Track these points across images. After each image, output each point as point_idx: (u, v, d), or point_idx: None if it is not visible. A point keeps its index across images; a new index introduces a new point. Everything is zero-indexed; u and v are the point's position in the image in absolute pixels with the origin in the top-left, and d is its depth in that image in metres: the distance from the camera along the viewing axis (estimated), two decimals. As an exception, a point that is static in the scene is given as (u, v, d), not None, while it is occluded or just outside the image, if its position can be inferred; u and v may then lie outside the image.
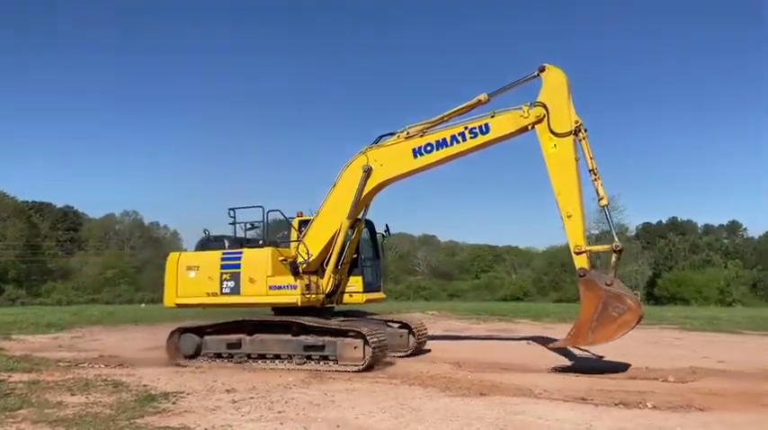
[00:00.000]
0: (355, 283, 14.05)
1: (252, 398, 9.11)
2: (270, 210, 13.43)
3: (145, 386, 10.11)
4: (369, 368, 11.59)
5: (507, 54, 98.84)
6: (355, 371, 11.41)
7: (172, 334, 13.07)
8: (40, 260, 64.81)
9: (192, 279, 12.96)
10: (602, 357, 13.30)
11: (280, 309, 12.89)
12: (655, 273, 63.72)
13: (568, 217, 11.37)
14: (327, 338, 11.96)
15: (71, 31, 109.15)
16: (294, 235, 13.61)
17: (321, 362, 11.95)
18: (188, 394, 9.40)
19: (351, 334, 11.89)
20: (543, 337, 18.06)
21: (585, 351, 13.46)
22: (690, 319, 25.52)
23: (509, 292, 61.41)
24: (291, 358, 12.17)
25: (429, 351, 14.81)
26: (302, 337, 12.15)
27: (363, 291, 14.08)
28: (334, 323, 12.26)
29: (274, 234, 14.59)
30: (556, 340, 12.71)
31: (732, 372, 11.60)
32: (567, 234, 11.45)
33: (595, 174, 11.48)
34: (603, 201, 11.56)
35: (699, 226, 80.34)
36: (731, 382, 10.40)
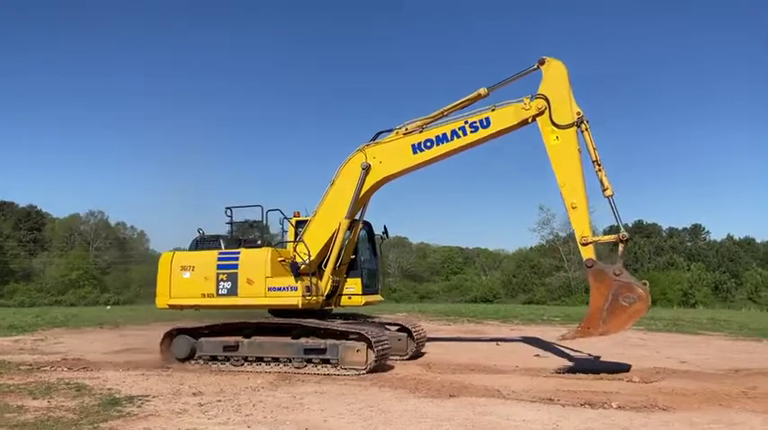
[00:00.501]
0: (354, 285, 13.70)
1: (219, 401, 9.00)
2: (269, 210, 13.13)
3: (109, 389, 9.91)
4: (372, 372, 11.31)
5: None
6: (357, 376, 11.18)
7: (166, 335, 12.69)
8: (2, 261, 62.89)
9: (186, 279, 12.65)
10: (598, 357, 13.49)
11: (277, 312, 12.62)
12: (621, 275, 64.73)
13: (573, 208, 11.28)
14: (329, 341, 11.68)
15: (30, 27, 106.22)
16: (291, 235, 13.37)
17: (321, 366, 11.66)
18: (154, 397, 9.24)
19: (354, 337, 11.64)
20: (512, 339, 18.23)
21: (580, 351, 13.63)
22: (654, 320, 25.97)
23: (479, 294, 61.79)
24: (290, 361, 11.84)
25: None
26: (302, 340, 11.86)
27: (362, 293, 13.73)
28: (336, 325, 11.97)
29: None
30: (514, 340, 12.80)
31: (694, 373, 11.89)
32: (573, 225, 11.44)
33: (599, 165, 11.40)
34: (608, 192, 11.37)
35: (663, 229, 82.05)
36: (693, 382, 10.65)
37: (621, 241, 11.16)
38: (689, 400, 9.00)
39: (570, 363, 13.01)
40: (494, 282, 67.36)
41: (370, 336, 11.36)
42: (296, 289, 11.88)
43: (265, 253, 12.28)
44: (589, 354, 14.33)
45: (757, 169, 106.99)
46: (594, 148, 11.42)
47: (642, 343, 17.16)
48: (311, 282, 12.18)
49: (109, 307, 42.95)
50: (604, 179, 11.37)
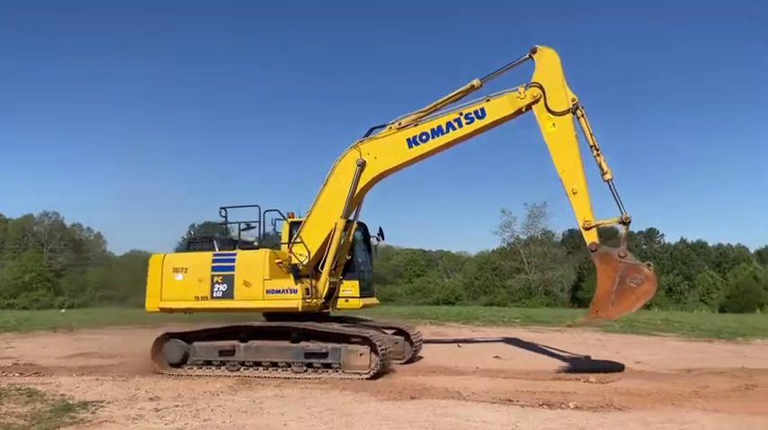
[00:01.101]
0: (351, 288, 13.31)
1: (177, 406, 8.83)
2: (267, 210, 12.85)
3: (62, 395, 9.64)
4: (376, 377, 11.05)
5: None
6: (360, 380, 10.89)
7: (158, 339, 12.21)
8: (-50, 263, 60.81)
9: (178, 282, 12.25)
10: (588, 356, 13.66)
11: (272, 315, 12.28)
12: (579, 278, 66.12)
13: (574, 193, 11.28)
14: (331, 345, 11.39)
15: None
16: (285, 236, 13.07)
17: (322, 371, 11.36)
18: (108, 403, 9.02)
19: (356, 340, 11.38)
20: (474, 340, 18.39)
21: (548, 347, 13.81)
22: (610, 322, 26.55)
23: (441, 296, 62.20)
24: (290, 366, 11.51)
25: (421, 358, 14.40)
26: (303, 344, 11.53)
27: (360, 296, 13.34)
28: (339, 328, 11.72)
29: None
30: (476, 341, 12.90)
31: (649, 373, 12.20)
32: (575, 210, 11.35)
33: (597, 150, 11.49)
34: (608, 176, 11.43)
35: (620, 232, 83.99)
36: (648, 382, 10.90)
37: (624, 223, 11.22)
38: (643, 400, 9.21)
39: (561, 363, 13.15)
40: (456, 284, 67.96)
41: (374, 340, 11.12)
42: (296, 291, 11.58)
43: (263, 254, 11.94)
44: (581, 354, 14.54)
45: (709, 173, 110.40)
46: (591, 134, 11.52)
47: (600, 343, 17.52)
48: (311, 285, 11.91)
49: (63, 310, 41.74)
50: (603, 163, 11.44)
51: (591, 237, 11.21)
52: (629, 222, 11.19)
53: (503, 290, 62.41)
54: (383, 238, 14.43)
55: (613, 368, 12.50)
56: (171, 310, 12.61)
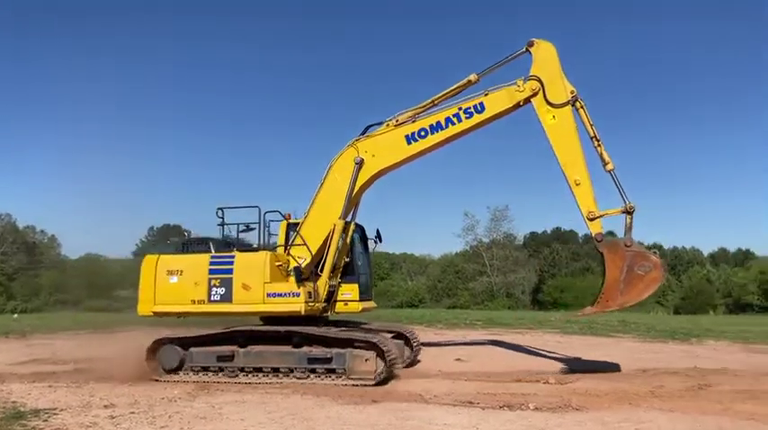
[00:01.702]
0: (350, 291, 12.96)
1: (132, 413, 8.62)
2: (267, 211, 12.52)
3: (13, 403, 9.33)
4: (382, 383, 10.76)
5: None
6: (366, 386, 10.59)
7: (153, 344, 11.76)
8: None
9: (173, 285, 11.78)
10: (573, 357, 13.79)
11: (270, 319, 11.89)
12: (540, 280, 67.21)
13: (577, 184, 11.26)
14: (335, 350, 11.05)
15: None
16: (282, 238, 12.76)
17: (326, 377, 11.05)
18: (62, 410, 8.75)
19: (361, 345, 11.05)
20: (435, 343, 18.46)
21: (519, 346, 13.92)
22: (570, 324, 26.99)
23: (405, 299, 62.38)
24: (292, 372, 11.17)
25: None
26: (306, 349, 11.19)
27: (359, 299, 13.00)
28: (344, 333, 11.41)
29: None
30: (439, 344, 12.95)
31: (607, 373, 12.43)
32: (578, 201, 11.33)
33: (597, 141, 11.50)
34: (609, 166, 11.42)
35: (579, 235, 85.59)
36: (605, 383, 11.11)
37: (629, 212, 11.19)
38: (601, 400, 9.38)
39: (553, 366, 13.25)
40: (419, 287, 68.22)
41: (381, 345, 10.84)
42: (298, 295, 11.22)
43: (263, 256, 11.58)
44: (546, 355, 14.70)
45: (664, 177, 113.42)
46: (592, 125, 11.54)
47: (559, 345, 17.79)
48: (312, 288, 11.63)
49: (16, 315, 40.47)
50: (604, 154, 11.45)
51: (596, 228, 11.22)
52: (634, 211, 11.17)
53: (466, 292, 62.97)
54: (381, 241, 14.17)
55: (609, 368, 12.65)
56: (165, 314, 12.20)
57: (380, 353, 10.82)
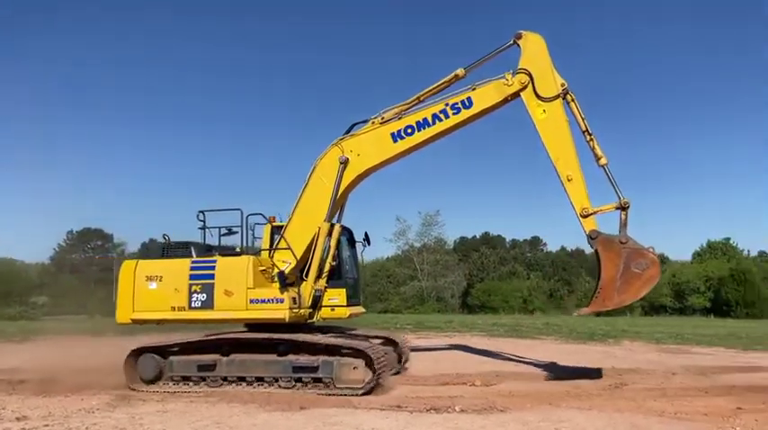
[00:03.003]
0: (337, 296, 12.34)
1: (46, 425, 8.18)
2: (250, 214, 12.00)
3: None
4: (370, 392, 10.34)
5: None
6: (354, 396, 10.18)
7: (131, 354, 11.18)
8: None
9: (153, 291, 11.28)
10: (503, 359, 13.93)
11: (255, 326, 11.42)
12: (469, 284, 68.59)
13: (569, 180, 10.97)
14: (322, 358, 10.63)
15: None
16: (266, 242, 12.28)
17: (312, 386, 10.60)
18: (-34, 426, 8.21)
19: (349, 352, 10.64)
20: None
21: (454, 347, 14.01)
22: (497, 326, 27.79)
23: (335, 304, 62.15)
24: (277, 381, 10.74)
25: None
26: (291, 357, 10.74)
27: (347, 305, 12.48)
28: (332, 340, 10.98)
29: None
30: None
31: (529, 375, 12.83)
32: (571, 198, 11.01)
33: (590, 135, 11.19)
34: (603, 161, 11.12)
35: (507, 240, 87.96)
36: (527, 384, 11.48)
37: (623, 208, 10.85)
38: (523, 401, 9.66)
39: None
40: (350, 291, 68.06)
41: (369, 352, 10.46)
42: (282, 301, 10.80)
43: (246, 261, 11.13)
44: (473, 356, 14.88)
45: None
46: (583, 118, 11.27)
47: (486, 347, 18.21)
48: (297, 294, 11.19)
49: None
50: (597, 148, 11.18)
51: (590, 225, 10.90)
52: (629, 207, 10.84)
53: (396, 297, 63.46)
54: (369, 243, 13.81)
55: (590, 374, 12.69)
56: (144, 322, 11.65)
57: (369, 362, 10.45)
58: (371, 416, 8.66)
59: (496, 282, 67.30)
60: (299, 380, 10.70)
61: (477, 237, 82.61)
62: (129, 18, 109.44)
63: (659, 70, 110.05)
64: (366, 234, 13.61)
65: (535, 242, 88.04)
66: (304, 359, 10.71)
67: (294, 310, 10.97)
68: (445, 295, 64.73)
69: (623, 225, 10.88)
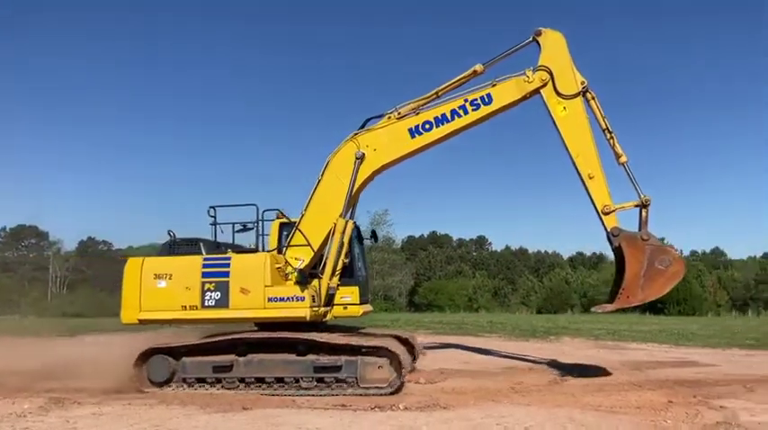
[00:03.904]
0: (350, 294, 12.20)
1: (-28, 432, 7.80)
2: (266, 210, 11.52)
3: None
4: (397, 391, 10.09)
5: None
6: (380, 396, 9.95)
7: (141, 355, 10.70)
8: None
9: (161, 289, 10.74)
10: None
11: (267, 325, 10.97)
12: (416, 283, 69.17)
13: (590, 178, 10.95)
14: (345, 357, 10.34)
15: None
16: (273, 239, 11.90)
17: (335, 386, 10.30)
18: None
19: (371, 351, 10.37)
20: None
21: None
22: (442, 324, 28.10)
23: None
24: (297, 382, 10.38)
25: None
26: (312, 357, 10.40)
27: (360, 303, 12.30)
28: (353, 338, 10.76)
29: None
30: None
31: (473, 372, 13.01)
32: (593, 195, 11.01)
33: (610, 133, 11.20)
34: (623, 158, 11.13)
35: (454, 239, 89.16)
36: (471, 381, 11.63)
37: (644, 206, 10.91)
38: (466, 398, 9.81)
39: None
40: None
41: (394, 350, 10.26)
42: (303, 299, 10.45)
43: (263, 258, 10.76)
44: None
45: (528, 184, 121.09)
46: (603, 116, 11.27)
47: (433, 344, 18.37)
48: (317, 292, 10.90)
49: None
50: (617, 146, 11.18)
51: (611, 222, 10.89)
52: (650, 204, 10.90)
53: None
54: (376, 241, 13.49)
55: (598, 372, 12.81)
56: (152, 322, 11.14)
57: (394, 360, 10.27)
58: (315, 415, 8.61)
59: (443, 280, 68.11)
60: (320, 380, 10.41)
61: (425, 236, 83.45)
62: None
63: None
64: (373, 231, 13.08)
65: (481, 241, 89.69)
66: (326, 359, 10.40)
67: (314, 309, 10.72)
68: (393, 294, 64.98)
69: (644, 222, 10.94)
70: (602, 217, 10.94)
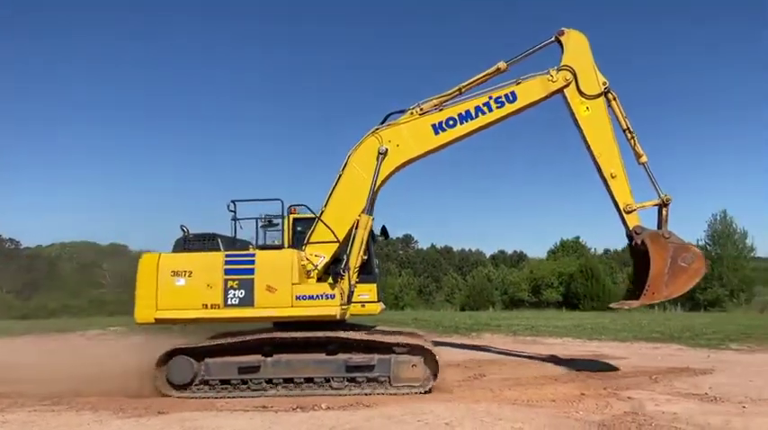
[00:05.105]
0: (368, 292, 11.94)
1: None
2: (292, 205, 11.02)
3: None
4: (431, 390, 9.99)
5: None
6: (415, 394, 9.89)
7: (163, 356, 10.19)
8: None
9: (180, 287, 10.14)
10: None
11: (286, 324, 10.58)
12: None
13: (613, 177, 11.16)
14: (378, 356, 10.09)
15: None
16: (287, 235, 11.44)
17: (367, 385, 10.06)
18: None
19: (404, 349, 10.17)
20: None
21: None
22: (367, 323, 28.12)
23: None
24: (328, 382, 10.07)
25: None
26: (343, 356, 10.10)
27: (378, 300, 12.00)
28: (385, 337, 10.45)
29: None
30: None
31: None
32: (615, 194, 11.22)
33: (631, 133, 11.40)
34: (643, 159, 11.35)
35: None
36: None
37: (665, 204, 11.17)
38: (388, 397, 9.83)
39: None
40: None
41: (429, 347, 10.12)
42: (333, 296, 10.16)
43: (290, 255, 10.37)
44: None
45: (456, 183, 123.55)
46: (625, 117, 11.46)
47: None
48: (347, 289, 10.55)
49: None
50: (638, 146, 11.38)
51: (633, 221, 11.16)
52: (670, 203, 11.18)
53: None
54: (388, 237, 13.07)
55: (604, 368, 12.97)
56: (171, 322, 10.49)
57: (429, 358, 10.16)
58: (234, 417, 8.44)
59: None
60: (352, 380, 10.20)
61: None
62: None
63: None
64: (384, 227, 13.09)
65: (407, 240, 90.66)
66: (358, 358, 10.20)
67: (344, 307, 10.52)
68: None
69: (664, 221, 11.21)
70: (624, 215, 11.23)
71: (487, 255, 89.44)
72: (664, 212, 11.25)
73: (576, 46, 11.58)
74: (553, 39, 11.67)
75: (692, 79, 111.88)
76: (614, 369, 12.78)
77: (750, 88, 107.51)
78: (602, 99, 11.46)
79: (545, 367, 13.26)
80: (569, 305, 56.03)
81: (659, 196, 11.27)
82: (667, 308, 48.30)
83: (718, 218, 54.00)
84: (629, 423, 7.82)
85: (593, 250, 72.69)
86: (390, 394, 10.00)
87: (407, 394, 9.96)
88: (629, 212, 11.21)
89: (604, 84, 11.47)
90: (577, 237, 71.25)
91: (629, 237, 11.30)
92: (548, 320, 29.38)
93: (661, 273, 10.82)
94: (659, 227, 11.24)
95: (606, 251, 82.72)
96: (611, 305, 12.45)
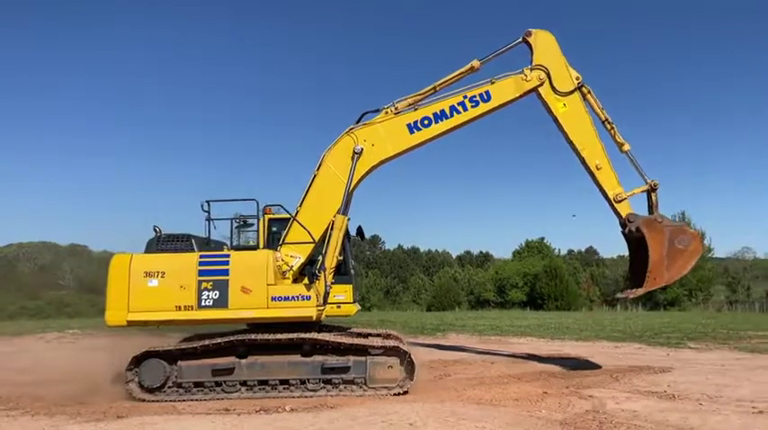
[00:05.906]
0: (344, 292, 11.80)
1: None
2: (267, 205, 10.85)
3: None
4: (407, 391, 9.96)
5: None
6: (393, 396, 9.83)
7: (133, 360, 9.94)
8: None
9: (153, 289, 9.97)
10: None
11: (260, 325, 10.43)
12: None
13: (598, 169, 11.27)
14: (353, 357, 10.03)
15: None
16: (262, 236, 11.25)
17: (344, 387, 10.02)
18: None
19: (379, 351, 10.10)
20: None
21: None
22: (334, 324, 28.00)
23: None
24: (304, 384, 9.98)
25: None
26: (319, 358, 10.03)
27: (353, 301, 11.97)
28: (360, 338, 10.44)
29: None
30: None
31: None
32: (603, 185, 11.33)
33: (610, 124, 11.56)
34: (625, 147, 11.52)
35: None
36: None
37: (653, 189, 11.35)
38: (352, 399, 9.79)
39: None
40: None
41: (404, 349, 10.08)
42: (309, 298, 10.10)
43: (265, 256, 10.30)
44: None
45: (423, 184, 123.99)
46: (602, 108, 11.62)
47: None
48: (323, 290, 10.47)
49: None
50: (618, 135, 11.56)
51: (625, 209, 11.30)
52: (658, 188, 11.38)
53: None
54: (363, 238, 13.00)
55: (567, 367, 13.02)
56: (143, 324, 10.22)
57: (405, 359, 10.15)
58: (196, 421, 8.29)
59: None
60: (328, 381, 10.13)
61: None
62: None
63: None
64: (359, 228, 13.01)
65: (374, 241, 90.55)
66: (333, 359, 10.16)
67: (320, 308, 10.44)
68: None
69: (655, 205, 11.37)
70: (615, 205, 11.41)
71: (454, 256, 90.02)
72: (653, 197, 11.45)
73: (545, 45, 11.75)
74: (521, 40, 11.83)
75: (653, 76, 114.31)
76: (576, 368, 12.99)
77: (715, 90, 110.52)
78: (577, 94, 11.64)
79: (509, 366, 13.38)
80: (534, 305, 56.76)
81: (646, 182, 11.49)
82: (629, 307, 49.44)
83: (677, 219, 55.40)
84: (591, 421, 7.94)
85: (556, 251, 73.81)
86: (368, 396, 10.00)
87: (381, 396, 9.99)
88: (619, 201, 11.40)
89: (578, 79, 11.65)
90: (542, 238, 72.24)
91: (623, 225, 11.45)
92: (512, 320, 29.74)
93: (661, 259, 10.92)
94: (650, 212, 11.41)
95: (570, 251, 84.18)
96: (617, 295, 12.72)
